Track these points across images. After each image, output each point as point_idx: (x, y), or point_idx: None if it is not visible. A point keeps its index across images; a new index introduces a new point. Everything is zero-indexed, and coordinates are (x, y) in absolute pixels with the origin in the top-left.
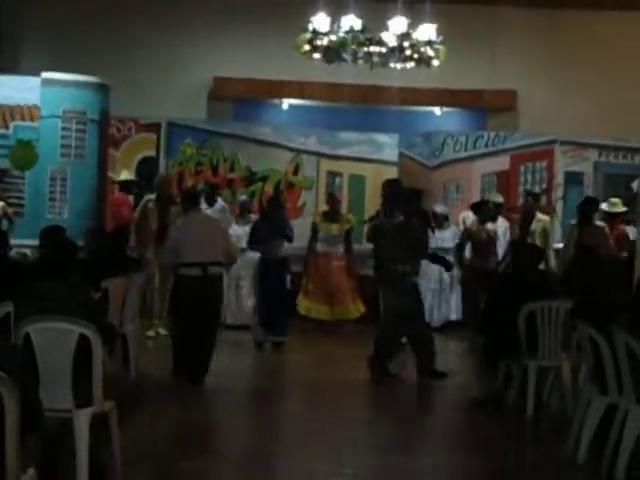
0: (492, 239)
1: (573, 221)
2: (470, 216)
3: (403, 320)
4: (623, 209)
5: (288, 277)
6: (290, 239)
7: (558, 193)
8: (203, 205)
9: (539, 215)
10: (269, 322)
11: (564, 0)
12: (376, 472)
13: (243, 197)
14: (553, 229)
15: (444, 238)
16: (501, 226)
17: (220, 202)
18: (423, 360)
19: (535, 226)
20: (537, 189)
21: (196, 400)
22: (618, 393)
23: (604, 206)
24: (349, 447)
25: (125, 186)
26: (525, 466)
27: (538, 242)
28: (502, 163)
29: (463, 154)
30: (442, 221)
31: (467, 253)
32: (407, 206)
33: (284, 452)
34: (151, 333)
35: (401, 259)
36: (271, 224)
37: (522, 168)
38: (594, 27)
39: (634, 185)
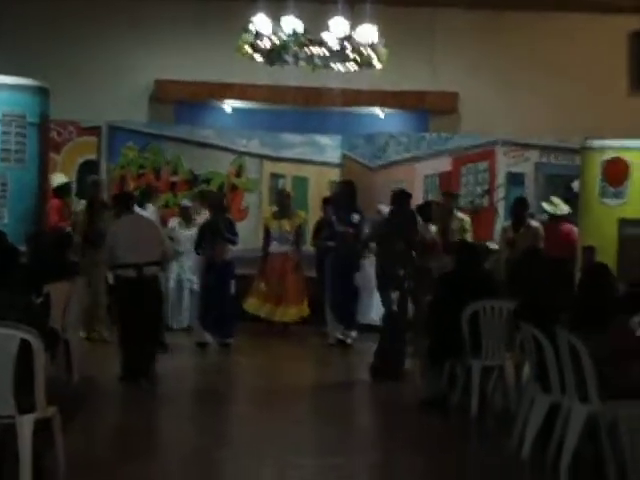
0: (435, 240)
1: (506, 223)
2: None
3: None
4: (566, 210)
5: (233, 281)
6: (234, 242)
7: (500, 194)
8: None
9: (458, 214)
10: (214, 324)
11: (504, 1)
12: (320, 473)
13: (184, 202)
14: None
15: None
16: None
17: (150, 207)
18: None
19: (453, 225)
20: (479, 190)
21: (140, 404)
22: (561, 392)
23: (545, 206)
24: (294, 449)
25: (59, 190)
26: (469, 464)
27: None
28: (444, 164)
29: (405, 155)
30: None
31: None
32: (399, 208)
33: (228, 455)
34: (94, 336)
35: (400, 262)
36: (216, 227)
37: (464, 169)
38: (534, 28)
39: (574, 185)
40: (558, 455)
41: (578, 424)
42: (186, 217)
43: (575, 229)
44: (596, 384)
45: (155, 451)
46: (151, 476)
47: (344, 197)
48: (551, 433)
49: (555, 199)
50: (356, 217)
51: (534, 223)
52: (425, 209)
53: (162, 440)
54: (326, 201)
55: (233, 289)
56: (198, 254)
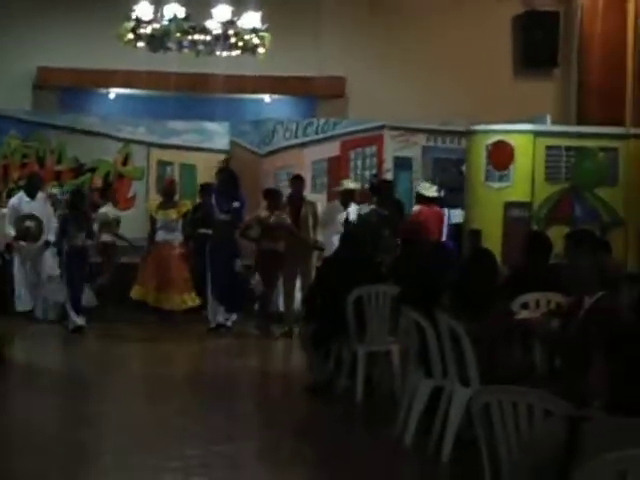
0: (281, 224)
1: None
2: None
3: None
4: (435, 194)
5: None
6: (91, 234)
7: (388, 178)
8: (26, 198)
9: (308, 198)
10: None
11: None
12: (204, 462)
13: (53, 191)
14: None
15: None
16: (352, 212)
17: (40, 194)
18: None
19: (305, 209)
20: (367, 174)
21: (17, 398)
22: (443, 376)
23: (420, 189)
24: (177, 439)
25: None
26: (354, 450)
27: (310, 224)
28: (332, 149)
29: (293, 141)
30: None
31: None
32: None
33: (110, 447)
34: None
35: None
36: (78, 217)
37: (352, 154)
38: (420, 13)
39: (464, 169)
40: (441, 439)
41: (460, 408)
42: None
43: (443, 212)
44: (477, 368)
45: (33, 446)
46: (31, 472)
47: (224, 184)
48: (434, 417)
49: (427, 184)
50: (236, 204)
51: (416, 207)
52: (272, 196)
53: (40, 434)
54: (203, 188)
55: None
56: (55, 244)
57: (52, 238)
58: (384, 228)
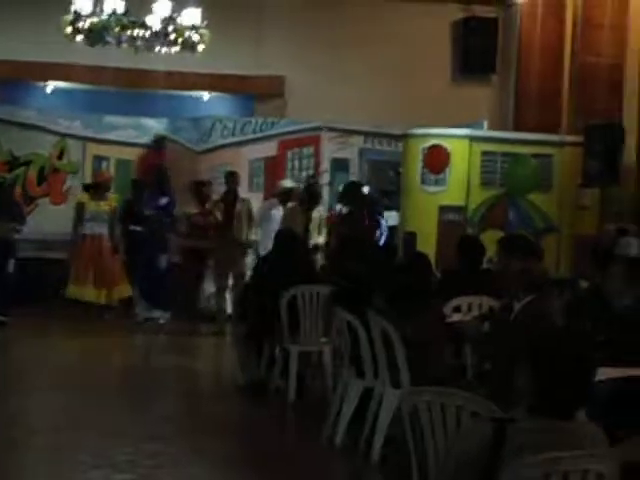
0: (208, 222)
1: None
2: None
3: None
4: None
5: (12, 260)
6: (20, 220)
7: (325, 179)
8: None
9: (242, 196)
10: None
11: None
12: (133, 460)
13: None
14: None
15: None
16: None
17: None
18: None
19: (239, 206)
20: (304, 175)
21: None
22: (374, 377)
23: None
24: (104, 437)
25: None
26: (285, 450)
27: (244, 222)
28: (270, 149)
29: (231, 139)
30: None
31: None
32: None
33: (37, 445)
34: None
35: None
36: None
37: (289, 154)
38: (360, 16)
39: (401, 171)
40: (371, 440)
41: (390, 409)
42: None
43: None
44: (407, 370)
45: None
46: None
47: (154, 181)
48: (365, 418)
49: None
50: (164, 200)
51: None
52: (198, 191)
53: None
54: (135, 183)
55: (11, 267)
56: None
57: None
58: None
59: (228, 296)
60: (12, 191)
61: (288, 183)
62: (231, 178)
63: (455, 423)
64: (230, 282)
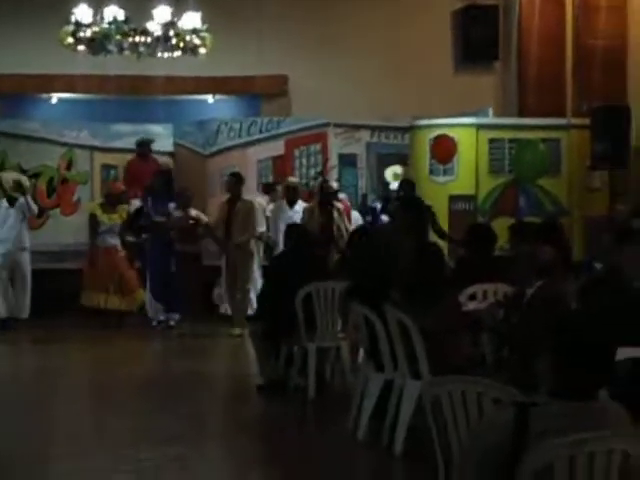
0: (195, 224)
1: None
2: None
3: None
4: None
5: None
6: None
7: (334, 175)
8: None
9: (247, 197)
10: None
11: None
12: (156, 465)
13: None
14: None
15: None
16: (299, 210)
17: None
18: None
19: (238, 207)
20: (312, 172)
21: None
22: (393, 369)
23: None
24: (128, 441)
25: None
26: (308, 446)
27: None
28: (277, 148)
29: (238, 141)
30: None
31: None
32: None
33: (62, 453)
34: None
35: None
36: None
37: (297, 152)
38: (360, 9)
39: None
40: (394, 432)
41: (411, 400)
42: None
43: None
44: (427, 360)
45: None
46: None
47: (160, 187)
48: (386, 411)
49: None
50: (172, 206)
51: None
52: (182, 196)
53: None
54: (144, 190)
55: None
56: None
57: None
58: None
59: (239, 297)
60: None
61: (292, 179)
62: (232, 179)
63: (477, 410)
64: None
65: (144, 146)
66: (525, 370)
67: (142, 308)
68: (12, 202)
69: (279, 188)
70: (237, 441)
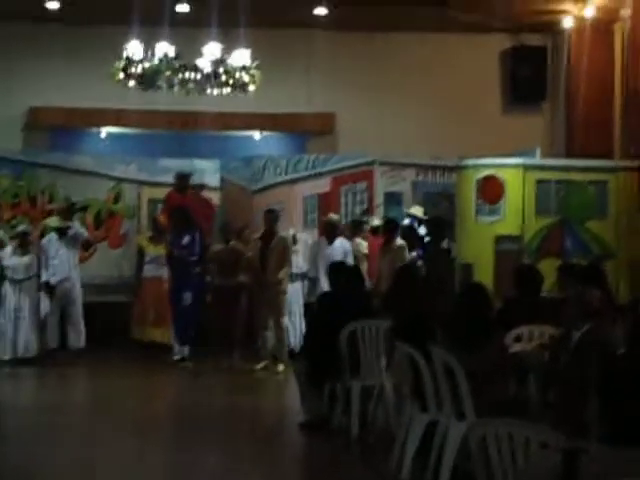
0: (238, 258)
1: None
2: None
3: None
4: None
5: None
6: None
7: (379, 213)
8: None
9: (282, 233)
10: None
11: (378, 23)
12: None
13: (22, 227)
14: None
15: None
16: (339, 247)
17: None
18: None
19: (274, 243)
20: (358, 210)
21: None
22: (438, 410)
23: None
24: (172, 475)
25: None
26: None
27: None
28: (323, 185)
29: (284, 177)
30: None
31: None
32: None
33: None
34: None
35: None
36: None
37: (343, 190)
38: (408, 48)
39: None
40: (437, 473)
41: (455, 441)
42: (23, 243)
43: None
44: (471, 401)
45: None
46: None
47: (176, 221)
48: (430, 451)
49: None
50: (186, 239)
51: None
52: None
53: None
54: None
55: None
56: None
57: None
58: None
59: (270, 334)
60: None
61: (333, 216)
62: (268, 215)
63: (523, 454)
64: (271, 321)
65: (182, 179)
66: (572, 414)
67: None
68: (62, 234)
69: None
70: (280, 478)
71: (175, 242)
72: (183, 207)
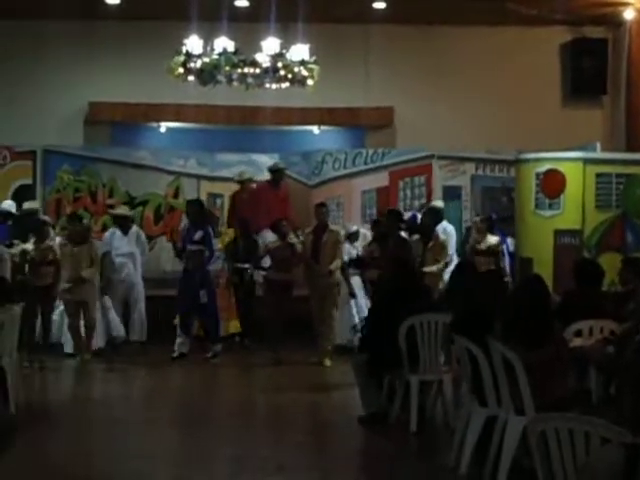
0: (294, 253)
1: None
2: (366, 233)
3: None
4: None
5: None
6: None
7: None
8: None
9: (332, 226)
10: None
11: (436, 16)
12: None
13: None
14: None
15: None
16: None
17: (134, 228)
18: None
19: (326, 238)
20: (416, 204)
21: (81, 431)
22: (497, 404)
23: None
24: (228, 470)
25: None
26: None
27: (327, 253)
28: (381, 179)
29: (342, 172)
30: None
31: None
32: None
33: (164, 477)
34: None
35: None
36: None
37: (401, 184)
38: (467, 42)
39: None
40: (496, 468)
41: (514, 436)
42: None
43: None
44: (531, 396)
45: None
46: None
47: (191, 216)
48: (489, 446)
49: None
50: (199, 234)
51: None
52: (278, 226)
53: (94, 465)
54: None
55: None
56: None
57: None
58: None
59: (325, 328)
60: None
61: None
62: (319, 209)
63: (584, 449)
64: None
65: (276, 172)
66: (633, 410)
67: (233, 335)
68: (125, 230)
69: None
70: (338, 473)
71: (187, 237)
72: (200, 202)
